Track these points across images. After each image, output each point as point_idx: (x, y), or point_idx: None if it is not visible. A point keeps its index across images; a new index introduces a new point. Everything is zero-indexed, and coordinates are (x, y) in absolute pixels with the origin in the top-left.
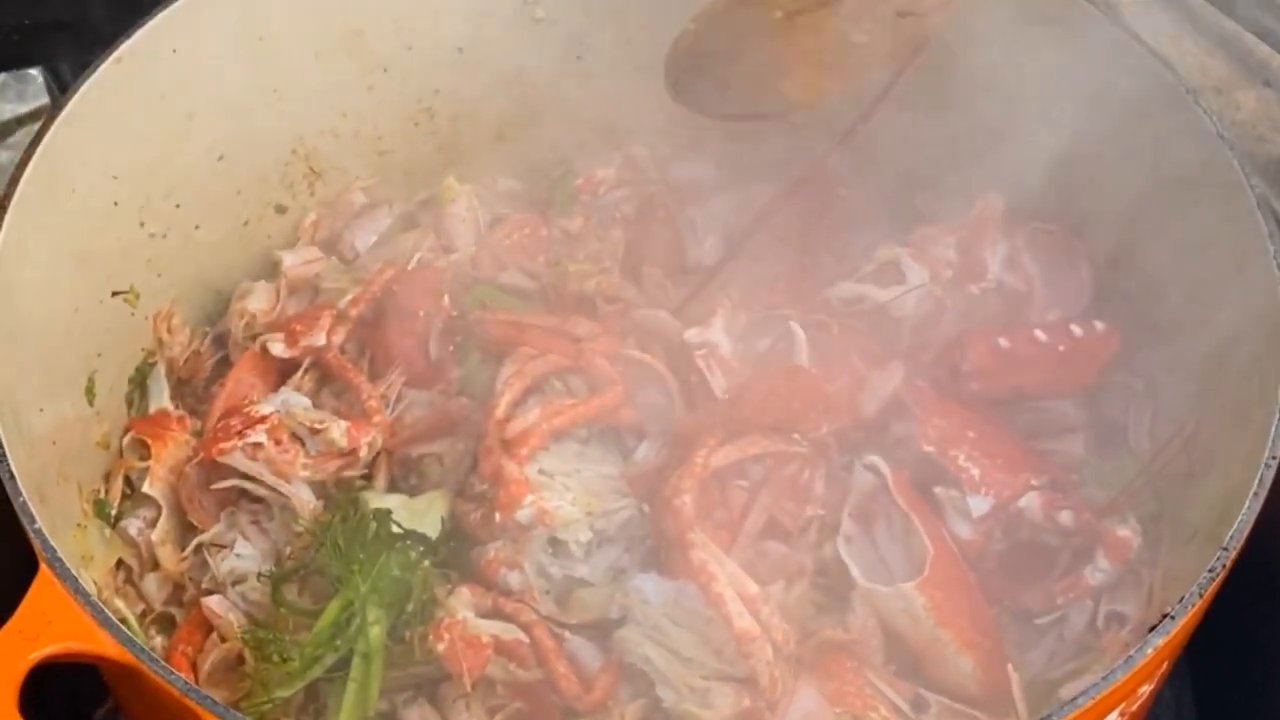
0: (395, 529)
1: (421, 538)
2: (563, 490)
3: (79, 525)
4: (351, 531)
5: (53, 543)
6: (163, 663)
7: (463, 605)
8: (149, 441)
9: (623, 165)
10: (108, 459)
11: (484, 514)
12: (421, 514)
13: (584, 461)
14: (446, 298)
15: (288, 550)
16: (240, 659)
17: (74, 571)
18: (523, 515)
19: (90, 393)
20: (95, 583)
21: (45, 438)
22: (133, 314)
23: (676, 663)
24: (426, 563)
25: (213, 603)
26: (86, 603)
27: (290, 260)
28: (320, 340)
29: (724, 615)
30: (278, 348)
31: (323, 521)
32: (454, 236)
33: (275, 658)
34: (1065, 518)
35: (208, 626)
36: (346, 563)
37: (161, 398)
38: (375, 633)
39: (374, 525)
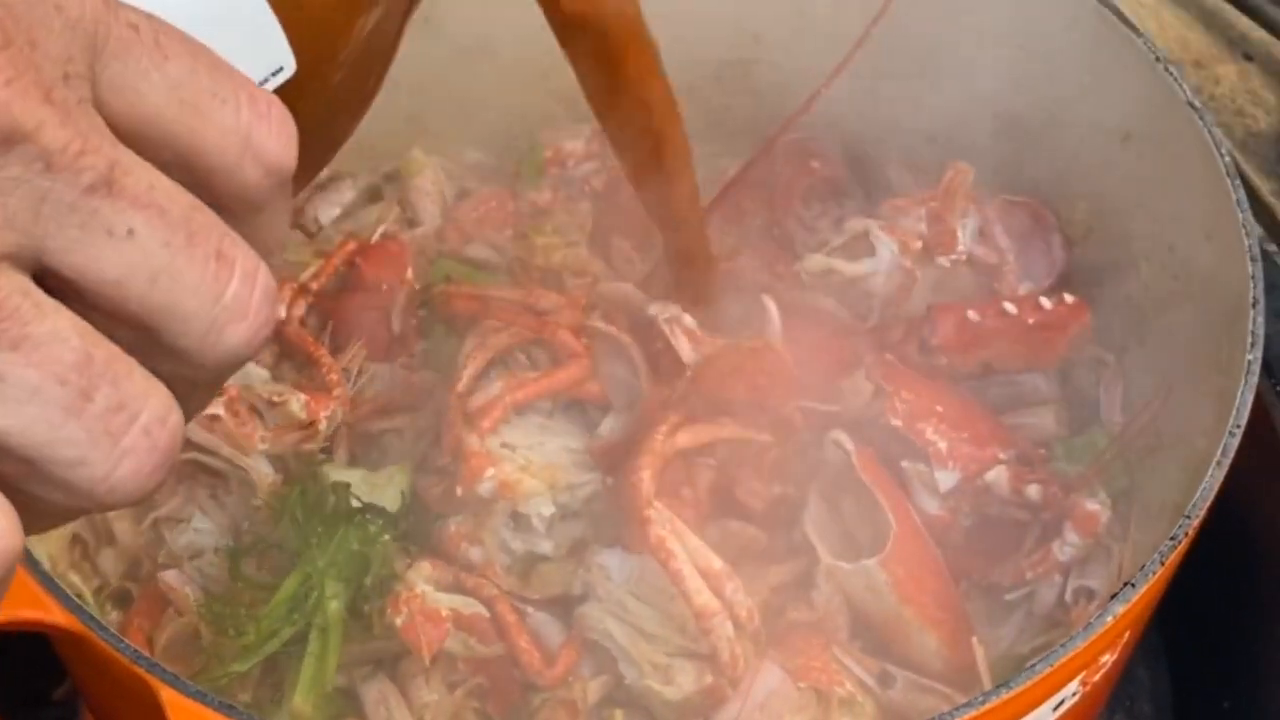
0: (355, 503)
1: (381, 511)
2: (525, 463)
3: None
4: (310, 505)
5: None
6: (112, 631)
7: (422, 579)
8: None
9: (591, 138)
10: None
11: (445, 488)
12: (381, 488)
13: (547, 435)
14: (410, 271)
15: (245, 524)
16: (197, 634)
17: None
18: (484, 488)
19: None
20: (50, 557)
21: None
22: None
23: (639, 639)
24: (386, 536)
25: (169, 577)
26: (35, 571)
27: None
28: (280, 313)
29: (683, 591)
30: None
31: (281, 495)
32: (419, 210)
33: (231, 632)
34: (1033, 491)
35: (164, 601)
36: (304, 536)
37: None
38: (333, 606)
39: (332, 499)
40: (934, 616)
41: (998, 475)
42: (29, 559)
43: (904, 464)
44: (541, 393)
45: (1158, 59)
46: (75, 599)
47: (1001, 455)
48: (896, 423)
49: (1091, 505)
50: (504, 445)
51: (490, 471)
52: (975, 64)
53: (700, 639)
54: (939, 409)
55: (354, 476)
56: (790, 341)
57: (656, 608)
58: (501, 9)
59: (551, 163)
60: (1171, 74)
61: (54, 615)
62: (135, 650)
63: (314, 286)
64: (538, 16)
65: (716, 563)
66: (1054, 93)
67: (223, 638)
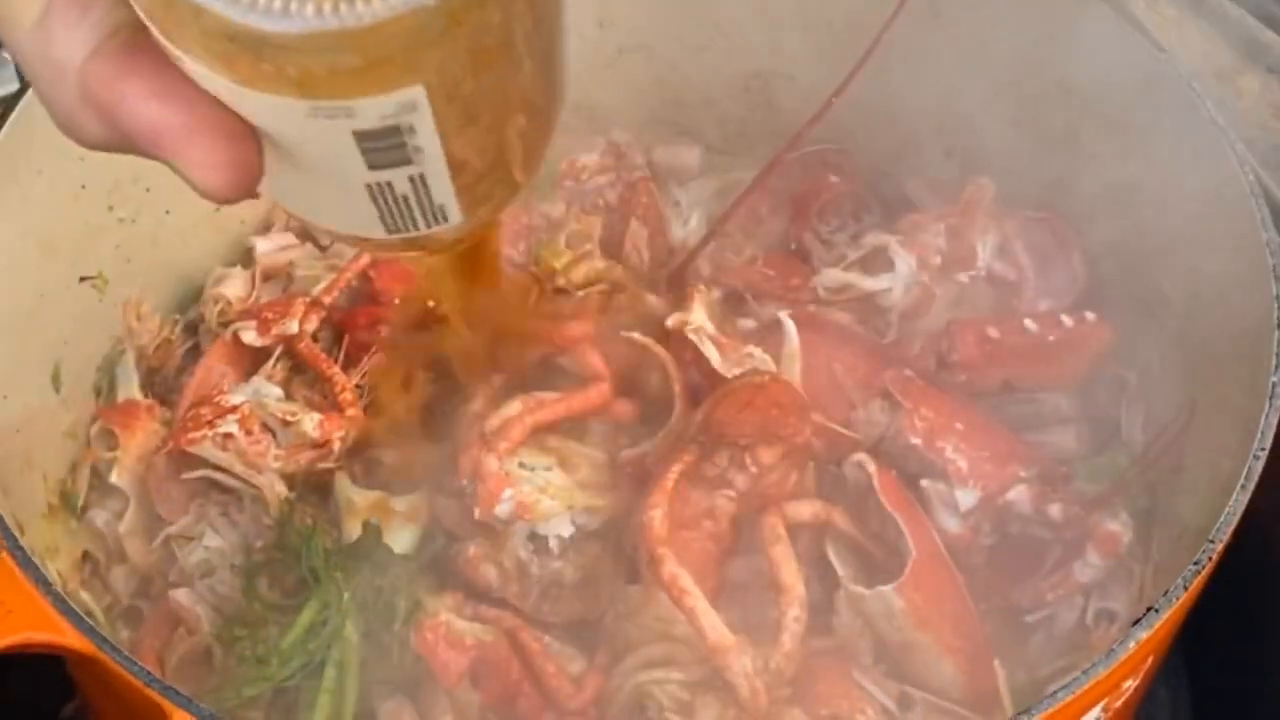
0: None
1: (403, 559)
2: (544, 485)
3: (44, 516)
4: (334, 538)
5: (14, 532)
6: (125, 653)
7: (445, 608)
8: (117, 431)
9: (606, 151)
10: (75, 448)
11: (462, 511)
12: (401, 522)
13: (569, 454)
14: None
15: (258, 543)
16: (208, 653)
17: (37, 561)
18: (501, 510)
19: (57, 381)
20: (60, 575)
21: (9, 426)
22: (101, 300)
23: (659, 670)
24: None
25: (180, 596)
26: (48, 592)
27: (264, 246)
28: (292, 328)
29: (697, 629)
30: (249, 335)
31: (299, 516)
32: None
33: (249, 656)
34: (1054, 510)
35: (175, 620)
36: (329, 567)
37: (130, 386)
38: (353, 640)
39: (357, 536)
40: (951, 644)
41: (1019, 494)
42: (41, 579)
43: (924, 483)
44: (561, 415)
45: (1181, 74)
46: (88, 620)
47: (1022, 473)
48: (916, 440)
49: (1113, 526)
50: (522, 465)
51: (508, 492)
52: (989, 77)
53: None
54: (959, 426)
55: (370, 498)
56: (807, 357)
57: (678, 640)
58: None
59: (565, 175)
60: (1195, 90)
61: (67, 638)
62: (149, 673)
63: (325, 300)
64: None
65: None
66: (1073, 107)
67: (239, 661)
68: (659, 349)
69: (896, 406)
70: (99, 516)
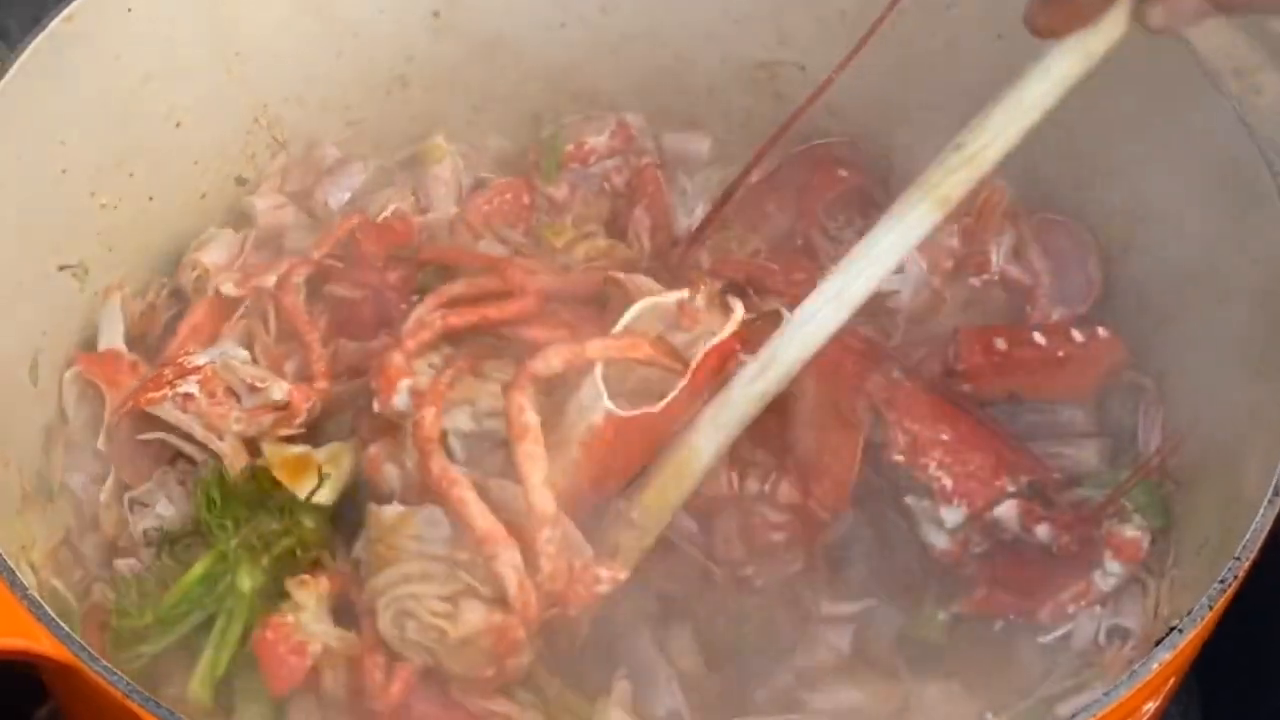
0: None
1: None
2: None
3: (17, 513)
4: (229, 487)
5: None
6: (104, 662)
7: (311, 600)
8: (103, 388)
9: (615, 133)
10: (50, 439)
11: (362, 407)
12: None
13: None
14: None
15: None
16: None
17: (11, 565)
18: (399, 400)
19: (34, 373)
20: (34, 566)
21: None
22: (81, 290)
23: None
24: (310, 521)
25: (123, 566)
26: (24, 597)
27: (263, 204)
28: (270, 280)
29: (466, 519)
30: (228, 287)
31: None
32: (433, 198)
33: (132, 612)
34: (1042, 531)
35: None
36: (219, 518)
37: (113, 334)
38: (245, 586)
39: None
40: None
41: (1007, 510)
42: (16, 584)
43: (908, 499)
44: (478, 322)
45: (1205, 74)
46: (63, 625)
47: (1011, 487)
48: (898, 458)
49: (1131, 532)
50: (431, 365)
51: (405, 382)
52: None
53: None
54: (944, 438)
55: (295, 450)
56: None
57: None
58: (513, 5)
59: (572, 157)
60: (1222, 90)
61: (44, 646)
62: (129, 683)
63: (315, 255)
64: (554, 12)
65: (550, 505)
66: (1092, 107)
67: (123, 618)
68: (647, 284)
69: (880, 419)
70: (75, 479)
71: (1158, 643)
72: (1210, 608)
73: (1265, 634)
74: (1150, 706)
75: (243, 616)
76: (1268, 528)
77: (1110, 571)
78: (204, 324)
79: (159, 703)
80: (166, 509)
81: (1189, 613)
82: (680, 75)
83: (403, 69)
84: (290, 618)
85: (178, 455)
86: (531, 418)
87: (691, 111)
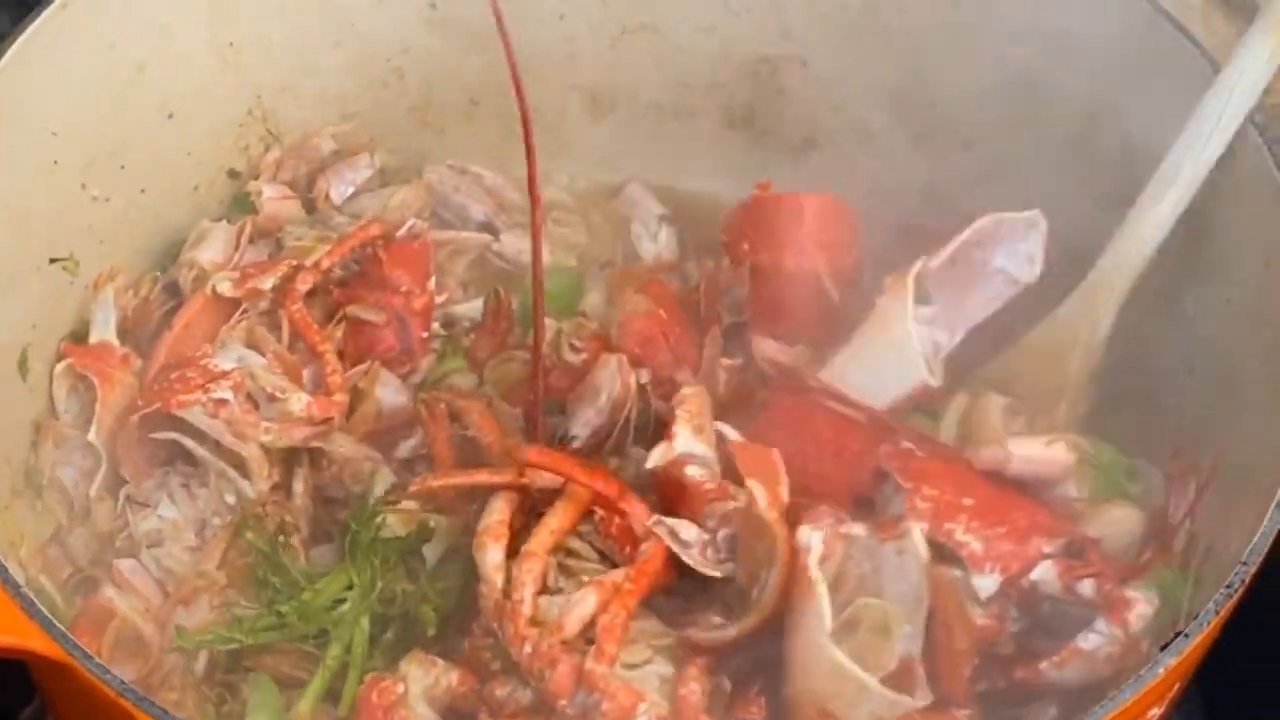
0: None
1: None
2: (658, 684)
3: (6, 509)
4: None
5: None
6: (97, 660)
7: (417, 676)
8: (95, 380)
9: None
10: (40, 434)
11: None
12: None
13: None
14: (434, 280)
15: (216, 521)
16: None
17: (2, 561)
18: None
19: (24, 367)
20: (22, 563)
21: None
22: (72, 283)
23: None
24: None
25: (125, 566)
26: (16, 594)
27: (270, 192)
28: (267, 284)
29: None
30: (225, 286)
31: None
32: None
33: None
34: (1086, 587)
35: (107, 615)
36: (368, 552)
37: (105, 327)
38: (360, 638)
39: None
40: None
41: (1045, 573)
42: (9, 580)
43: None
44: (642, 597)
45: (1215, 70)
46: (55, 622)
47: (1047, 549)
48: (921, 525)
49: (1134, 594)
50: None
51: (644, 706)
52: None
53: None
54: (968, 501)
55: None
56: (800, 434)
57: None
58: None
59: None
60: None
61: (34, 643)
62: (122, 681)
63: (325, 264)
64: (554, 4)
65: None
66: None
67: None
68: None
69: (897, 488)
70: (67, 473)
71: (1163, 647)
72: (1216, 613)
73: (1268, 641)
74: (1155, 712)
75: (361, 648)
76: (1274, 533)
77: (1096, 629)
78: (198, 321)
79: (152, 701)
80: (169, 511)
81: (1196, 616)
82: (681, 69)
83: (399, 61)
84: (401, 688)
85: (179, 457)
86: None
87: (691, 106)
